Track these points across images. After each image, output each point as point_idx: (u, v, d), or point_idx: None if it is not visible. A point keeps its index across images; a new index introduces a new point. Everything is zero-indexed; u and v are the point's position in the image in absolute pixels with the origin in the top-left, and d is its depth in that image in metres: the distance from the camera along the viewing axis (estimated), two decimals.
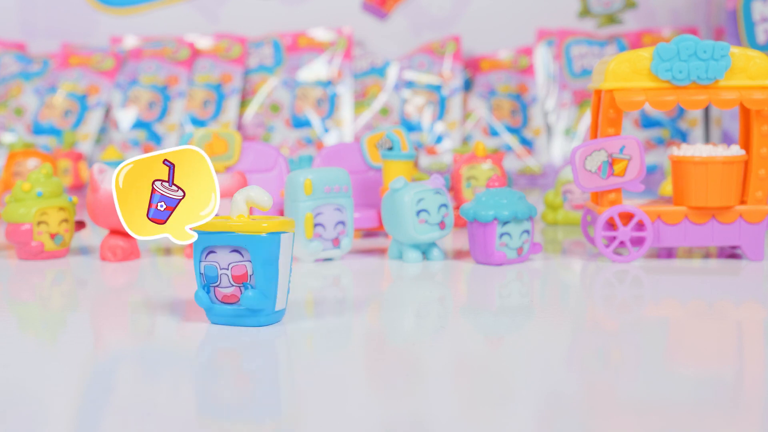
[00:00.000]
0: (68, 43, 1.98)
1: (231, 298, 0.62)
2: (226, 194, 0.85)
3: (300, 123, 1.83)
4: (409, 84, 1.78)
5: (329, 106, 1.84)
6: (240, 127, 1.85)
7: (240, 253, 0.61)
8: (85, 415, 0.46)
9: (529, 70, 1.76)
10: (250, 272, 0.61)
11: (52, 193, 0.93)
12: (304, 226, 0.86)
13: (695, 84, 0.84)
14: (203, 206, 0.60)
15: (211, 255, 0.62)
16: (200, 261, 0.62)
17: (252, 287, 0.61)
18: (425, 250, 0.89)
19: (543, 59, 1.75)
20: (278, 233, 0.60)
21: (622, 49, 1.75)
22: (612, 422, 0.44)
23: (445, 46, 1.80)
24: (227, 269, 0.61)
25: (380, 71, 1.84)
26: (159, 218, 0.60)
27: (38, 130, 1.85)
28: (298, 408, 0.47)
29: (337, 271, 0.85)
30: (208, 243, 0.61)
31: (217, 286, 0.62)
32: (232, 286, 0.62)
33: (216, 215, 0.61)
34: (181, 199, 0.60)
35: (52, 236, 0.92)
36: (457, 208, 1.04)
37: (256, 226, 0.60)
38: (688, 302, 0.71)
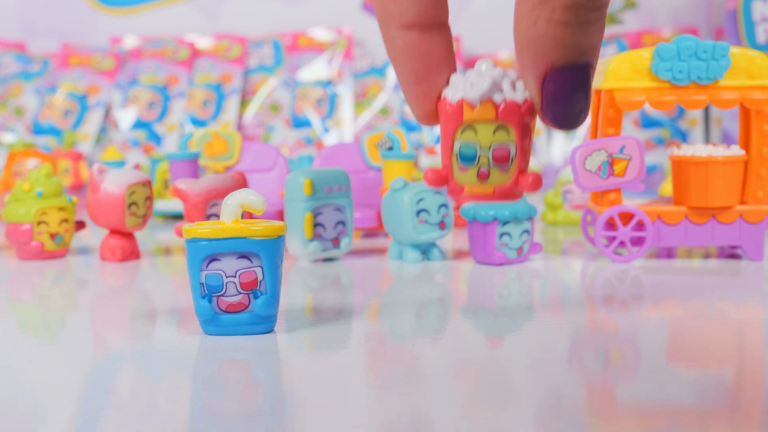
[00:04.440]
0: (68, 43, 1.98)
1: (237, 307, 0.60)
2: (227, 194, 0.85)
3: (300, 123, 1.83)
4: None
5: (329, 106, 1.84)
6: (240, 127, 1.85)
7: (249, 259, 0.59)
8: (84, 415, 0.46)
9: None
10: (260, 278, 0.60)
11: (52, 193, 0.93)
12: (304, 226, 0.86)
13: (695, 84, 0.84)
14: None
15: (214, 263, 0.59)
16: (201, 270, 0.59)
17: (263, 293, 0.60)
18: (425, 250, 0.89)
19: None
20: (283, 236, 0.60)
21: (622, 49, 1.75)
22: (612, 422, 0.44)
23: None
24: (234, 277, 0.59)
25: (380, 71, 1.84)
26: None
27: (38, 130, 1.85)
28: (297, 408, 0.47)
29: (337, 271, 0.85)
30: (213, 250, 0.58)
31: (221, 295, 0.59)
32: (240, 293, 0.60)
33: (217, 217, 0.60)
34: None
35: (52, 236, 0.92)
36: (457, 208, 1.04)
37: (267, 229, 0.59)
38: (688, 302, 0.71)
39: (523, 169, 0.58)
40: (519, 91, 0.56)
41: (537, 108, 0.53)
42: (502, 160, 0.57)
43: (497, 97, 0.56)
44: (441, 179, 0.59)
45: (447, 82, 0.57)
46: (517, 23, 0.50)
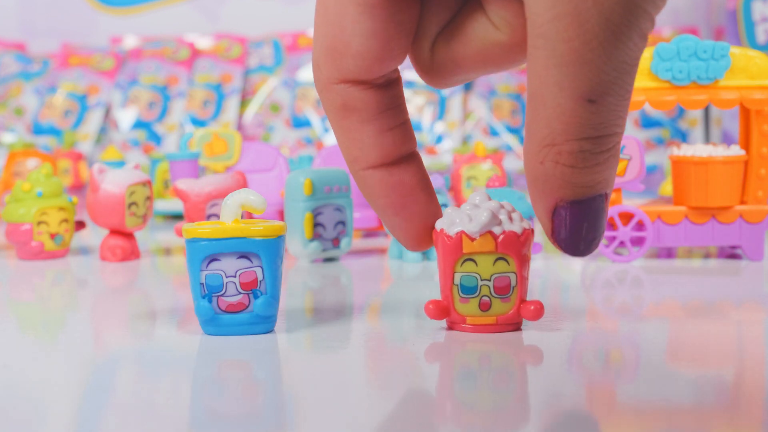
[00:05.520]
0: (68, 43, 1.98)
1: (238, 307, 0.59)
2: (227, 194, 0.85)
3: (300, 123, 1.83)
4: (409, 84, 1.78)
5: None
6: (240, 127, 1.85)
7: (249, 259, 0.59)
8: (84, 415, 0.46)
9: None
10: (260, 278, 0.59)
11: (52, 193, 0.93)
12: (304, 226, 0.86)
13: (695, 84, 0.84)
14: None
15: (214, 263, 0.59)
16: (201, 270, 0.59)
17: (263, 293, 0.60)
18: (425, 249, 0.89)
19: None
20: (283, 236, 0.60)
21: None
22: (612, 422, 0.44)
23: None
24: (234, 276, 0.59)
25: None
26: None
27: (38, 130, 1.85)
28: (297, 408, 0.47)
29: (337, 271, 0.85)
30: (213, 250, 0.58)
31: (221, 295, 0.59)
32: (240, 293, 0.59)
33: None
34: None
35: (52, 236, 0.92)
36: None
37: (267, 229, 0.59)
38: (688, 302, 0.71)
39: (523, 298, 0.59)
40: (516, 222, 0.58)
41: (547, 235, 0.53)
42: (503, 290, 0.59)
43: (496, 229, 0.57)
44: (442, 311, 0.60)
45: (426, 207, 0.57)
46: (526, 158, 0.49)
